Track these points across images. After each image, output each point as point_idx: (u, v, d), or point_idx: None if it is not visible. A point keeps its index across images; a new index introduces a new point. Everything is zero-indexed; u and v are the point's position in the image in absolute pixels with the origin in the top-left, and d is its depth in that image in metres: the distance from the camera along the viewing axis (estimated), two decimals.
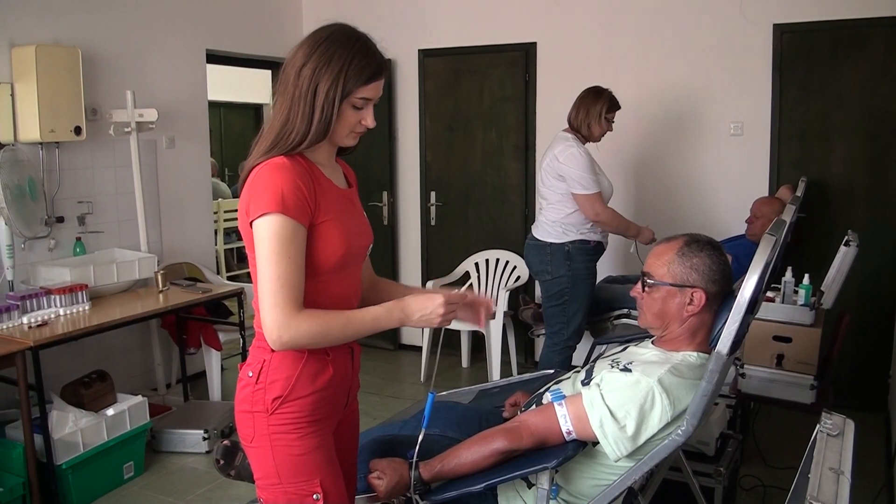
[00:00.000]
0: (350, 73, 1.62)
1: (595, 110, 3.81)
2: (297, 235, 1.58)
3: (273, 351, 1.66)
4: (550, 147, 3.89)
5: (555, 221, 3.85)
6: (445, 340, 5.39)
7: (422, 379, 5.07)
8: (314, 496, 1.69)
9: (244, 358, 2.45)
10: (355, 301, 1.81)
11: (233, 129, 10.27)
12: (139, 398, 3.69)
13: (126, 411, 3.58)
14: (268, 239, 1.56)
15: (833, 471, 1.44)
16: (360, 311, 1.65)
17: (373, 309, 1.66)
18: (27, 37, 3.86)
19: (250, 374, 1.70)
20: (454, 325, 4.94)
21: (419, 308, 1.65)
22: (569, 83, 4.05)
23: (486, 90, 5.28)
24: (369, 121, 1.70)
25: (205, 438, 3.90)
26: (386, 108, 5.48)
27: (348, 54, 1.62)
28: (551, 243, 3.85)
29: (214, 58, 5.21)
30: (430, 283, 5.09)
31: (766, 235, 1.80)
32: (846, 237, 3.37)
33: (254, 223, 1.58)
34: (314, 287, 1.66)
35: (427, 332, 5.06)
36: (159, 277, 4.10)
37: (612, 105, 3.86)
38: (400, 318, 1.67)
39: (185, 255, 4.87)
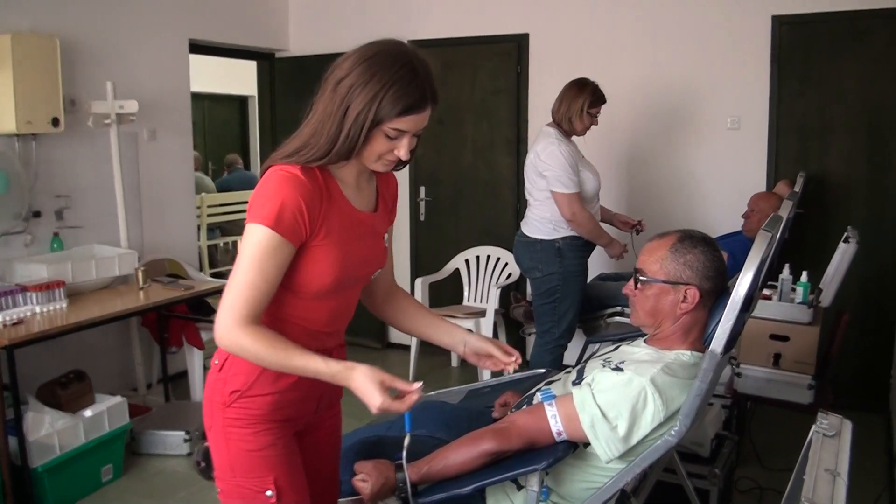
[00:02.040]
0: (385, 101, 1.53)
1: (577, 105, 3.79)
2: (280, 253, 1.57)
3: None
4: (534, 143, 3.90)
5: (544, 218, 3.85)
6: None
7: (410, 378, 5.02)
8: (267, 493, 1.69)
9: None
10: (343, 322, 1.81)
11: (217, 122, 10.23)
12: (118, 398, 3.68)
13: (104, 412, 3.57)
14: (251, 246, 1.56)
15: (829, 472, 1.44)
16: (305, 358, 1.58)
17: (316, 364, 1.58)
18: (2, 25, 3.83)
19: (216, 362, 1.73)
20: None
21: (361, 392, 1.56)
22: (562, 75, 4.04)
23: (477, 83, 5.27)
24: (403, 153, 1.62)
25: (186, 440, 3.88)
26: None
27: (388, 78, 1.53)
28: (541, 240, 3.85)
29: (198, 48, 5.19)
30: (419, 281, 5.09)
31: (761, 231, 1.80)
32: (845, 233, 3.38)
33: (247, 224, 1.58)
34: (295, 302, 1.67)
35: None
36: (140, 274, 4.08)
37: (596, 99, 3.84)
38: (344, 385, 1.61)
39: (167, 251, 4.85)
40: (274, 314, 1.66)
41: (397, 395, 1.59)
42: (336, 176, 1.66)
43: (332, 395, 1.86)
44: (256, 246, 1.55)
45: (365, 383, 1.56)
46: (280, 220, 1.54)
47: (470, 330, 1.97)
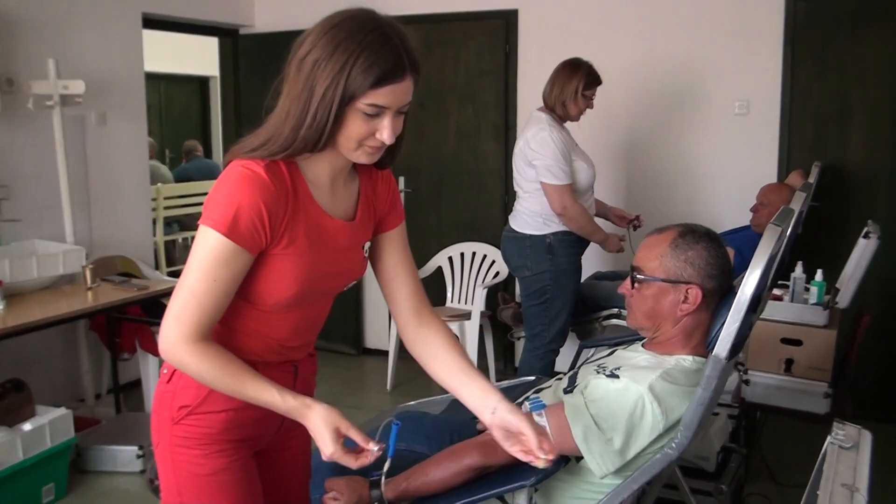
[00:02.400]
0: (355, 71, 1.44)
1: (570, 87, 3.81)
2: (234, 261, 1.51)
3: None
4: (524, 130, 3.91)
5: (533, 212, 3.86)
6: None
7: (388, 387, 5.07)
8: None
9: None
10: (310, 334, 1.76)
11: (175, 105, 10.18)
12: (62, 410, 3.65)
13: (46, 426, 3.53)
14: (202, 252, 1.51)
15: (846, 487, 1.45)
16: (259, 389, 1.54)
17: (276, 396, 1.54)
18: None
19: (165, 372, 1.67)
20: None
21: (314, 435, 1.55)
22: (554, 55, 4.05)
23: (461, 63, 5.27)
24: (385, 134, 1.52)
25: (139, 456, 3.86)
26: None
27: (356, 46, 1.44)
28: (531, 235, 3.86)
29: (153, 22, 5.16)
30: None
31: (770, 225, 1.81)
32: (865, 228, 3.40)
33: (200, 224, 1.52)
34: (253, 314, 1.63)
35: (394, 334, 5.05)
36: (88, 273, 4.05)
37: (592, 80, 3.85)
38: (298, 421, 1.57)
39: (119, 248, 4.81)
40: (230, 325, 1.62)
41: (355, 448, 1.55)
42: (307, 177, 1.59)
43: None
44: (208, 253, 1.50)
45: (320, 427, 1.53)
46: (235, 227, 1.48)
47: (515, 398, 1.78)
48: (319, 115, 1.47)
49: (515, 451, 1.65)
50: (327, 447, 1.52)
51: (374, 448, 1.54)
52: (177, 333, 1.51)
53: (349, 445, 1.55)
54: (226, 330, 1.62)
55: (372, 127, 1.51)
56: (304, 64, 1.48)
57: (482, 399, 1.71)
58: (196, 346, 1.52)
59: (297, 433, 1.81)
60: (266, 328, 1.65)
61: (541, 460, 1.60)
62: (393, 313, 1.86)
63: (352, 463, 1.54)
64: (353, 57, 1.44)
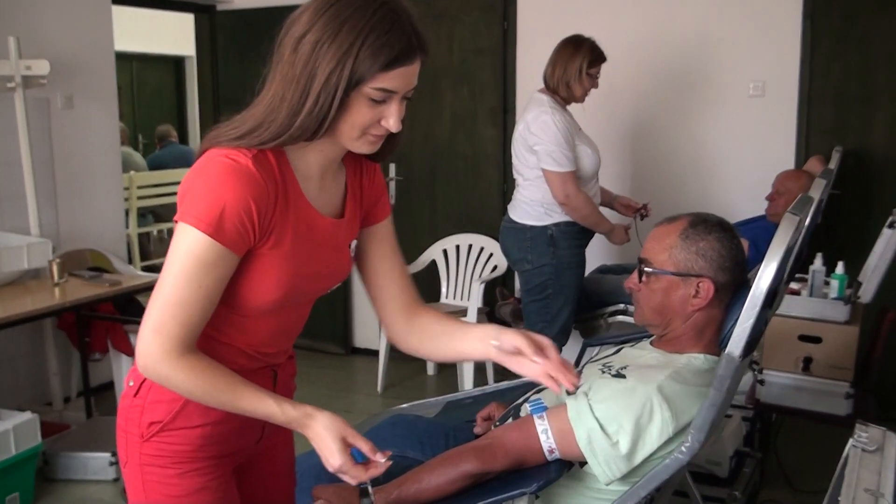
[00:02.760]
0: (363, 53, 1.40)
1: (574, 66, 3.81)
2: (220, 265, 1.46)
3: None
4: (524, 113, 3.91)
5: (534, 201, 3.86)
6: None
7: (379, 389, 5.07)
8: None
9: None
10: (288, 341, 1.73)
11: (147, 87, 10.17)
12: (28, 415, 3.64)
13: (10, 431, 3.53)
14: (183, 254, 1.44)
15: (870, 493, 1.46)
16: (255, 400, 1.50)
17: (273, 407, 1.50)
18: None
19: (131, 384, 1.61)
20: None
21: (318, 446, 1.52)
22: (555, 32, 4.04)
23: (455, 41, 5.26)
24: (393, 121, 1.48)
25: (112, 463, 3.87)
26: None
27: (364, 25, 1.40)
28: (531, 226, 3.87)
29: None
30: None
31: (787, 214, 1.82)
32: (890, 218, 3.41)
33: (179, 222, 1.45)
34: (230, 318, 1.58)
35: (385, 333, 5.05)
36: (55, 267, 4.05)
37: (596, 57, 3.86)
38: (300, 430, 1.54)
39: (89, 241, 4.80)
40: (203, 330, 1.55)
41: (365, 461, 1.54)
42: (296, 168, 1.55)
43: None
44: (191, 256, 1.43)
45: (325, 438, 1.50)
46: (221, 226, 1.42)
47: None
48: (322, 100, 1.42)
49: (538, 375, 1.62)
50: (335, 459, 1.49)
51: (381, 459, 1.53)
52: (158, 348, 1.45)
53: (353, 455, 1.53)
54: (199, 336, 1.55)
55: (378, 113, 1.48)
56: (303, 44, 1.43)
57: (482, 339, 1.68)
58: (182, 360, 1.45)
59: (278, 441, 1.80)
60: (243, 333, 1.61)
61: (568, 379, 1.60)
62: (379, 312, 1.82)
63: (362, 475, 1.52)
64: (360, 37, 1.40)
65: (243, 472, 1.73)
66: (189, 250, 1.43)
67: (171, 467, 1.59)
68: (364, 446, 1.52)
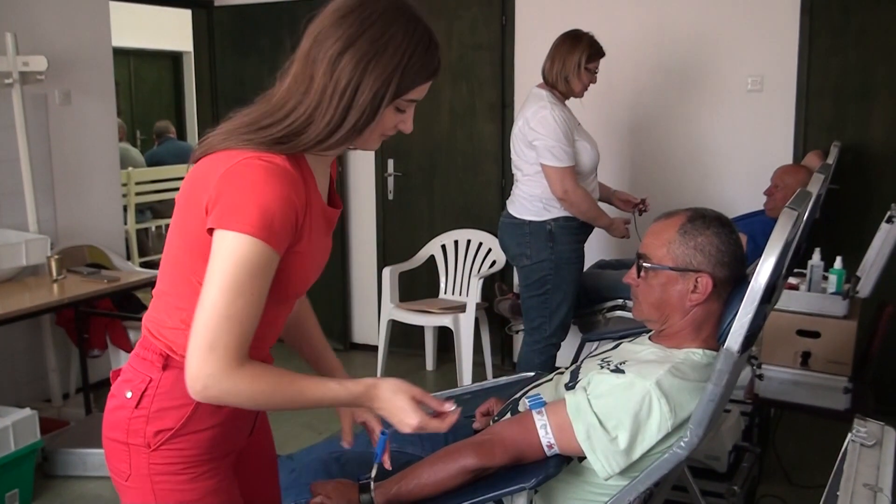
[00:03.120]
0: (408, 71, 1.48)
1: (572, 60, 3.81)
2: (269, 269, 1.45)
3: (166, 367, 1.56)
4: (522, 108, 3.91)
5: (533, 196, 3.86)
6: (408, 339, 5.40)
7: None
8: None
9: None
10: (272, 342, 1.72)
11: (145, 83, 10.16)
12: (27, 412, 3.65)
13: (9, 428, 3.53)
14: (232, 264, 1.41)
15: (868, 488, 1.46)
16: (318, 387, 1.53)
17: (334, 391, 1.54)
18: None
19: (129, 395, 1.58)
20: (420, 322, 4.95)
21: (390, 410, 1.56)
22: (553, 27, 4.04)
23: (454, 36, 5.26)
24: (409, 125, 1.59)
25: None
26: None
27: (409, 45, 1.48)
28: (530, 221, 3.87)
29: None
30: (387, 271, 5.09)
31: (786, 209, 1.82)
32: (888, 213, 3.41)
33: (218, 231, 1.43)
34: None
35: (384, 328, 5.07)
36: (53, 264, 4.05)
37: (595, 52, 3.86)
38: (366, 406, 1.60)
39: (87, 237, 4.81)
40: (183, 330, 1.53)
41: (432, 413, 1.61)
42: (311, 163, 1.56)
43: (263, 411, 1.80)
44: (241, 263, 1.41)
45: (395, 400, 1.54)
46: (272, 229, 1.42)
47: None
48: (367, 113, 1.48)
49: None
50: (412, 419, 1.53)
51: (451, 408, 1.60)
52: (216, 365, 1.41)
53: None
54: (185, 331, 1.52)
55: (399, 119, 1.56)
56: (343, 61, 1.46)
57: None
58: (242, 369, 1.44)
59: (262, 434, 1.84)
60: (256, 348, 1.57)
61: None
62: None
63: (441, 427, 1.58)
64: (406, 55, 1.48)
65: (237, 468, 1.73)
66: (240, 257, 1.41)
67: (183, 473, 1.58)
68: (432, 402, 1.60)
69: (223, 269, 1.41)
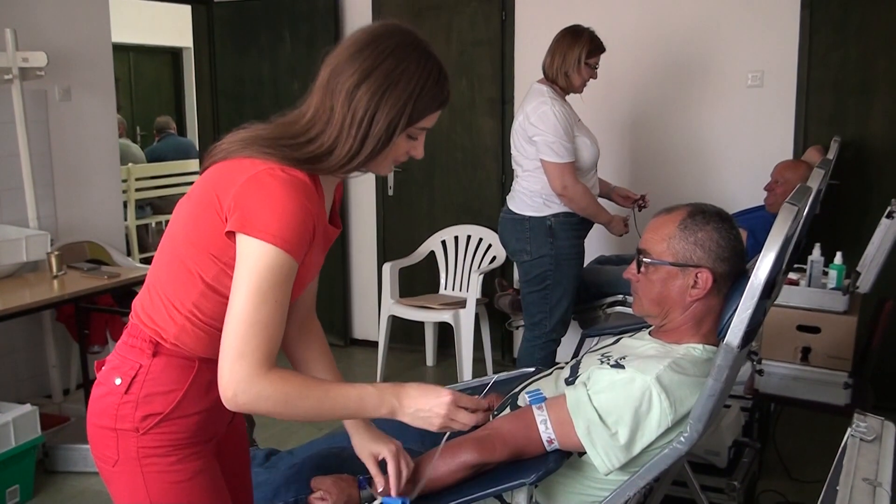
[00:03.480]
0: (419, 102, 1.60)
1: (573, 55, 3.81)
2: (291, 276, 1.55)
3: (156, 354, 1.64)
4: (523, 104, 3.90)
5: (533, 192, 3.86)
6: (408, 334, 5.41)
7: (378, 380, 5.08)
8: None
9: None
10: None
11: (145, 79, 10.14)
12: (27, 407, 3.65)
13: (10, 424, 3.53)
14: (257, 273, 1.50)
15: (868, 482, 1.46)
16: (342, 388, 1.62)
17: (360, 388, 1.62)
18: None
19: (118, 382, 1.65)
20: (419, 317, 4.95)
21: (417, 405, 1.64)
22: (553, 23, 4.04)
23: (453, 31, 5.26)
24: (420, 151, 1.70)
25: None
26: None
27: (420, 77, 1.59)
28: (530, 217, 3.87)
29: None
30: (387, 266, 5.09)
31: (786, 204, 1.82)
32: (889, 208, 3.41)
33: (243, 237, 1.52)
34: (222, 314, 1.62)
35: (384, 324, 5.07)
36: (53, 260, 4.05)
37: (595, 48, 3.86)
38: (391, 410, 1.64)
39: (87, 233, 4.81)
40: (203, 320, 1.64)
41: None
42: (322, 183, 1.65)
43: None
44: (268, 271, 1.50)
45: (422, 391, 1.65)
46: (295, 240, 1.52)
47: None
48: (382, 141, 1.59)
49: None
50: (445, 395, 1.65)
51: (485, 405, 1.72)
52: (246, 371, 1.50)
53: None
54: (197, 324, 1.64)
55: (410, 145, 1.68)
56: (359, 94, 1.56)
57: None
58: (271, 373, 1.52)
59: (238, 423, 1.92)
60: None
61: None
62: None
63: (469, 420, 1.68)
64: (417, 87, 1.59)
65: (217, 454, 1.81)
66: (264, 266, 1.50)
67: (171, 455, 1.66)
68: (468, 402, 1.69)
69: (248, 277, 1.50)
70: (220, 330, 1.58)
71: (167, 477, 1.66)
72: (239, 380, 1.50)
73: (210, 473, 1.72)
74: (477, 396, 1.73)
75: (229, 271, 1.56)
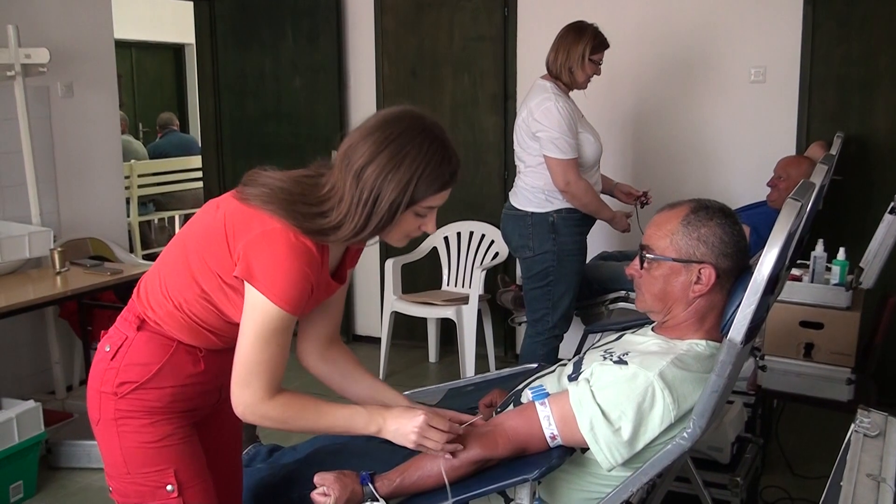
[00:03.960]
0: (421, 183, 1.73)
1: (577, 52, 3.81)
2: (291, 326, 1.79)
3: (140, 328, 1.89)
4: (526, 99, 3.90)
5: (536, 188, 3.86)
6: (411, 331, 5.40)
7: (381, 376, 5.08)
8: (167, 487, 1.88)
9: None
10: None
11: (148, 75, 10.15)
12: (31, 403, 3.66)
13: (13, 420, 3.54)
14: (261, 324, 1.74)
15: (871, 478, 1.46)
16: (336, 408, 1.85)
17: (352, 409, 1.87)
18: None
19: (108, 349, 1.91)
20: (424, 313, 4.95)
21: (397, 424, 1.85)
22: (556, 19, 4.04)
23: (456, 27, 5.25)
24: (430, 227, 1.85)
25: None
26: (335, 50, 5.44)
27: (422, 160, 1.73)
28: (533, 213, 3.87)
29: None
30: (389, 262, 5.09)
31: (789, 200, 1.82)
32: (892, 203, 3.41)
33: (250, 287, 1.74)
34: (218, 326, 1.90)
35: (387, 320, 5.07)
36: (56, 256, 4.05)
37: (599, 44, 3.86)
38: (378, 428, 1.86)
39: (90, 229, 4.81)
40: (190, 325, 1.88)
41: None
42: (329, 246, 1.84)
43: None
44: (270, 323, 1.74)
45: (402, 413, 1.86)
46: (297, 302, 1.75)
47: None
48: (384, 218, 1.75)
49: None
50: (418, 417, 1.84)
51: (459, 430, 1.90)
52: (250, 398, 1.77)
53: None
54: (182, 317, 1.87)
55: (419, 222, 1.83)
56: (366, 175, 1.72)
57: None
58: (273, 400, 1.78)
59: (229, 403, 2.00)
60: (219, 335, 1.92)
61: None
62: (302, 329, 2.08)
63: (437, 445, 1.86)
64: (418, 170, 1.72)
65: (199, 429, 2.00)
66: (268, 319, 1.74)
67: (144, 418, 1.88)
68: (441, 424, 1.86)
69: (253, 326, 1.75)
70: (202, 326, 1.88)
71: (139, 437, 1.87)
72: (246, 404, 1.77)
73: (182, 439, 1.91)
74: (449, 420, 1.90)
75: (226, 289, 1.81)
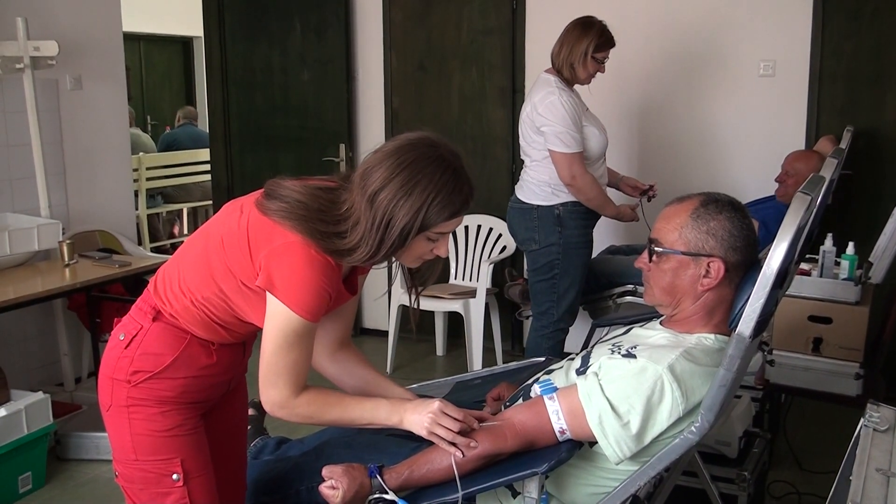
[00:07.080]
0: (432, 210, 1.77)
1: (579, 49, 3.78)
2: (312, 333, 1.87)
3: (155, 319, 1.94)
4: (530, 93, 3.90)
5: (542, 181, 3.85)
6: (418, 324, 5.40)
7: (388, 369, 5.09)
8: (173, 476, 1.93)
9: None
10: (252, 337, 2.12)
11: (156, 68, 10.16)
12: (40, 395, 3.67)
13: (22, 411, 3.55)
14: (284, 331, 1.82)
15: (881, 472, 1.46)
16: (360, 402, 1.96)
17: (374, 403, 1.97)
18: None
19: (122, 338, 1.95)
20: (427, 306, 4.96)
21: (416, 412, 1.93)
22: (565, 12, 4.03)
23: (464, 20, 5.25)
24: (442, 251, 1.89)
25: None
26: (343, 43, 5.44)
27: (434, 187, 1.76)
28: (538, 206, 3.87)
29: None
30: None
31: (798, 194, 1.81)
32: None
33: (273, 295, 1.81)
34: (230, 322, 1.95)
35: (395, 313, 5.07)
36: (65, 248, 4.06)
37: (604, 42, 3.83)
38: (400, 419, 1.94)
39: (98, 222, 4.82)
40: (205, 321, 1.94)
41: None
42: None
43: (240, 375, 2.15)
44: (292, 331, 1.82)
45: (419, 404, 1.95)
46: (317, 311, 1.83)
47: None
48: (396, 242, 1.79)
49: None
50: (433, 403, 1.93)
51: (473, 422, 1.94)
52: (277, 396, 1.86)
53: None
54: (198, 312, 1.93)
55: (431, 246, 1.87)
56: (379, 200, 1.76)
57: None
58: (299, 397, 1.88)
59: (236, 395, 2.19)
60: (228, 330, 1.98)
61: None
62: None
63: (467, 419, 1.93)
64: (429, 197, 1.76)
65: (207, 419, 2.06)
66: (290, 327, 1.82)
67: (155, 407, 1.92)
68: (455, 413, 1.92)
69: (277, 333, 1.82)
70: (217, 322, 1.94)
71: (149, 425, 1.92)
72: (273, 402, 1.87)
73: (190, 430, 1.97)
74: (464, 410, 1.95)
75: (244, 290, 1.87)
